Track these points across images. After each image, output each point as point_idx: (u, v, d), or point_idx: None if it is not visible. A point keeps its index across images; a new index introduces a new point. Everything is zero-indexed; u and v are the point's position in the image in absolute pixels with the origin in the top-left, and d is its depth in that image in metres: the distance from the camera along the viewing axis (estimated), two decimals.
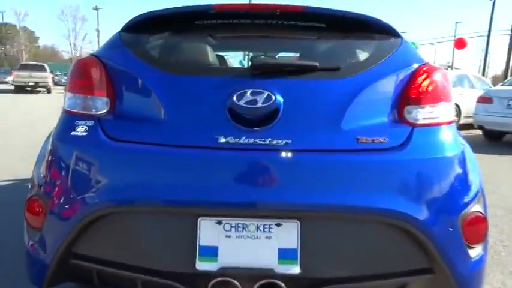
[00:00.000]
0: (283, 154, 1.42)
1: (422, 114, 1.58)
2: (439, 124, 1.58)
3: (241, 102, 1.46)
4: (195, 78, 1.55)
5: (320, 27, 1.77)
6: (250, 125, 1.47)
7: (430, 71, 1.64)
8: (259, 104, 1.46)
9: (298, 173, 1.39)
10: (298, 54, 2.13)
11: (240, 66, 1.89)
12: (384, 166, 1.43)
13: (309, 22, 1.78)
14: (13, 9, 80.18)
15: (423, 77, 1.63)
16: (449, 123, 1.61)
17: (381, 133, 1.50)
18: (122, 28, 1.86)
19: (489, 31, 28.97)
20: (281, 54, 2.31)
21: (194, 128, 1.48)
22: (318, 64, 1.54)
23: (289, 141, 1.44)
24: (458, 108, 10.23)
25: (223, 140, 1.44)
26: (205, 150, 1.44)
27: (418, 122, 1.56)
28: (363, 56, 1.71)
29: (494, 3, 27.97)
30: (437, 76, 1.63)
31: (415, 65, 1.66)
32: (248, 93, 1.47)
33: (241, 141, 1.44)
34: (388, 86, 1.61)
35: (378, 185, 1.39)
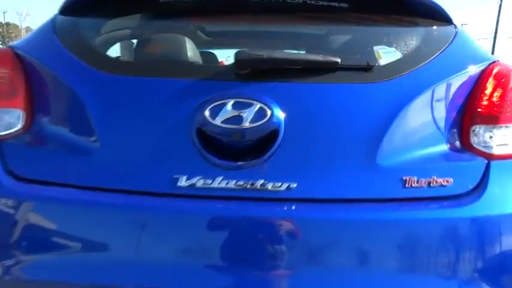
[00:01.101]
0: (286, 209, 0.86)
1: (498, 138, 1.02)
2: None
3: (218, 121, 0.91)
4: (147, 82, 0.99)
5: (341, 8, 1.20)
6: (231, 156, 0.91)
7: (506, 72, 1.07)
8: (246, 124, 0.90)
9: (313, 246, 0.84)
10: (307, 47, 1.57)
11: (219, 64, 1.40)
12: (451, 229, 0.87)
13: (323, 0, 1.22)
14: (15, 9, 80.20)
15: (496, 81, 1.06)
16: None
17: (440, 171, 0.94)
18: (59, 9, 1.30)
19: (495, 33, 28.32)
20: (282, 48, 1.72)
21: (141, 163, 0.92)
22: (339, 60, 0.98)
23: (294, 186, 0.89)
24: None
25: (185, 182, 0.89)
26: (157, 199, 0.89)
27: (494, 152, 1.00)
28: (404, 49, 1.15)
29: (500, 6, 27.34)
30: None
31: (481, 64, 1.09)
32: (229, 106, 0.92)
33: (216, 185, 0.89)
34: (443, 94, 1.05)
35: (445, 265, 0.84)
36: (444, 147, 1.00)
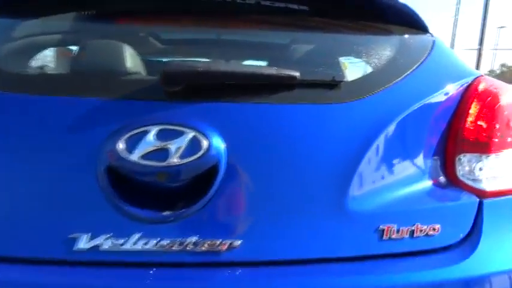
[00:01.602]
0: (228, 276, 0.63)
1: (488, 170, 0.84)
2: None
3: (135, 156, 0.66)
4: (42, 102, 0.73)
5: (301, 11, 0.99)
6: (153, 205, 0.67)
7: (492, 89, 0.90)
8: (174, 159, 0.67)
9: None
10: (263, 58, 1.35)
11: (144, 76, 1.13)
12: None
13: (280, 2, 1.00)
14: None
15: (481, 100, 0.89)
16: None
17: (424, 215, 0.74)
18: None
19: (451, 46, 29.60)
20: (224, 57, 1.40)
21: (28, 217, 0.66)
22: (297, 75, 0.76)
23: (239, 244, 0.66)
24: None
25: (85, 244, 0.63)
26: (47, 269, 0.63)
27: (486, 188, 0.82)
28: (376, 62, 0.95)
29: (456, 19, 28.63)
30: (508, 98, 0.90)
31: (464, 81, 0.92)
32: (151, 135, 0.68)
33: (130, 247, 0.64)
34: (423, 117, 0.86)
35: None
36: (427, 183, 0.81)
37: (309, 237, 0.68)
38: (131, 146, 0.67)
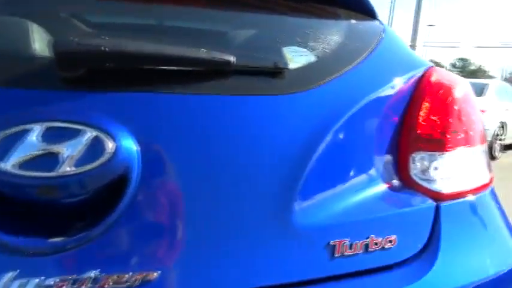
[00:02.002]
0: None
1: (444, 170, 0.76)
2: (476, 192, 0.78)
3: (9, 164, 0.48)
4: None
5: None
6: (36, 229, 0.50)
7: (445, 81, 0.83)
8: (66, 168, 0.50)
9: None
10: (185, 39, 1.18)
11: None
12: None
13: None
14: None
15: (434, 92, 0.81)
16: (488, 187, 0.82)
17: (378, 225, 0.64)
18: None
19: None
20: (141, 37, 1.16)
21: None
22: (233, 60, 0.62)
23: (155, 276, 0.51)
24: (503, 126, 7.48)
25: None
26: None
27: (443, 190, 0.74)
28: (324, 49, 0.83)
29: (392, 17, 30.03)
30: (461, 90, 0.83)
31: (417, 71, 0.83)
32: (33, 136, 0.50)
33: None
34: (374, 112, 0.76)
35: None
36: (380, 187, 0.71)
37: (246, 263, 0.54)
38: (3, 152, 0.49)
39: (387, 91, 0.77)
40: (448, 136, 0.76)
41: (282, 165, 0.59)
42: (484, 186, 0.79)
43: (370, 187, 0.69)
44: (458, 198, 0.74)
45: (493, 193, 0.82)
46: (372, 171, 0.72)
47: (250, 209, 0.56)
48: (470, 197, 0.75)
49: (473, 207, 0.75)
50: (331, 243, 0.59)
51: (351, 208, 0.64)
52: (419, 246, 0.65)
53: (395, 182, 0.74)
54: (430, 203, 0.71)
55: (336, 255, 0.59)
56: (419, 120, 0.77)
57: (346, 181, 0.67)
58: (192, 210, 0.54)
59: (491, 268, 0.68)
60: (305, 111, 0.65)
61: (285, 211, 0.57)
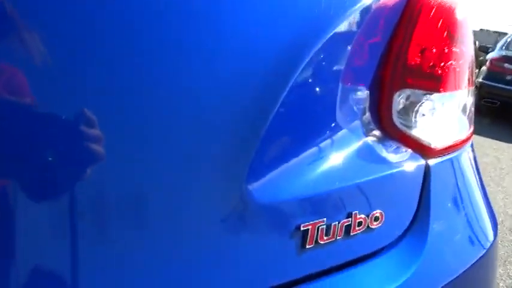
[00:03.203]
0: None
1: (436, 116, 0.58)
2: (461, 145, 0.62)
3: None
4: None
5: None
6: None
7: (441, 4, 0.61)
8: None
9: None
10: None
11: None
12: None
13: None
14: None
15: (434, 13, 0.59)
16: (470, 139, 0.66)
17: (360, 198, 0.44)
18: None
19: None
20: None
21: None
22: None
23: None
24: None
25: None
26: None
27: (433, 144, 0.56)
28: None
29: None
30: (463, 13, 0.62)
31: None
32: None
33: None
34: (349, 37, 0.52)
35: None
36: (357, 143, 0.50)
37: (181, 259, 0.31)
38: None
39: (367, 8, 0.53)
40: (446, 71, 0.57)
41: (226, 121, 0.34)
42: (469, 138, 0.64)
43: (345, 144, 0.48)
44: (446, 153, 0.57)
45: (472, 147, 0.67)
46: (346, 122, 0.51)
47: (186, 197, 0.32)
48: (457, 152, 0.60)
49: (458, 166, 0.60)
50: (302, 227, 0.38)
51: (323, 174, 0.43)
52: (407, 222, 0.48)
53: (375, 132, 0.54)
54: (419, 160, 0.53)
55: (309, 247, 0.38)
56: (409, 48, 0.56)
57: (314, 139, 0.45)
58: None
59: (478, 250, 0.55)
60: (254, 33, 0.39)
61: (236, 191, 0.34)
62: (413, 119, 0.56)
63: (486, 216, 0.59)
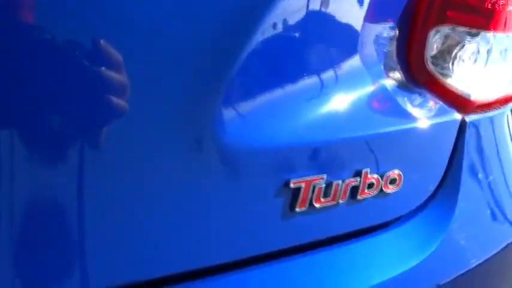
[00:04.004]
0: None
1: (481, 62, 0.46)
2: (505, 103, 0.50)
3: None
4: None
5: None
6: None
7: None
8: None
9: None
10: None
11: None
12: None
13: None
14: None
15: None
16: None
17: (371, 153, 0.34)
18: None
19: None
20: None
21: None
22: None
23: None
24: None
25: None
26: None
27: (473, 97, 0.44)
28: None
29: None
30: None
31: None
32: None
33: None
34: None
35: None
36: (371, 87, 0.39)
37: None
38: None
39: None
40: (498, 5, 0.45)
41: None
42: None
43: (359, 88, 0.38)
44: (488, 109, 0.46)
45: None
46: (363, 63, 0.40)
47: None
48: (501, 109, 0.48)
49: (501, 126, 0.49)
50: (292, 184, 0.29)
51: (326, 120, 0.33)
52: (431, 188, 0.38)
53: (401, 78, 0.43)
54: (454, 114, 0.42)
55: (300, 209, 0.29)
56: None
57: (316, 76, 0.34)
58: None
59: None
60: None
61: (206, 133, 0.25)
62: (450, 65, 0.45)
63: None
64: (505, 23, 0.46)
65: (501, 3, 0.45)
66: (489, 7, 0.45)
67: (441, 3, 0.44)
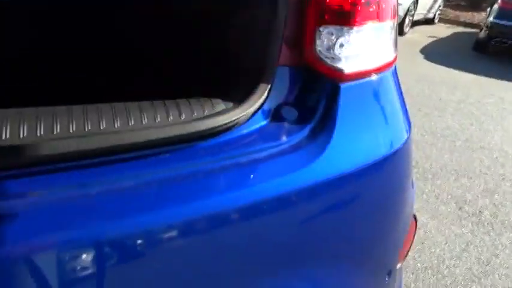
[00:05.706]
0: None
1: (349, 47, 0.71)
2: (379, 71, 0.75)
3: None
4: None
5: None
6: None
7: None
8: None
9: None
10: None
11: None
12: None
13: None
14: None
15: None
16: (391, 66, 0.79)
17: None
18: None
19: None
20: None
21: None
22: None
23: None
24: (416, 2, 7.45)
25: None
26: None
27: (345, 70, 0.69)
28: None
29: None
30: None
31: None
32: None
33: None
34: None
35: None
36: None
37: None
38: None
39: None
40: (359, 8, 0.68)
41: None
42: (388, 64, 0.77)
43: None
44: (359, 78, 0.70)
45: (395, 72, 0.80)
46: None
47: None
48: (372, 77, 0.72)
49: (373, 88, 0.73)
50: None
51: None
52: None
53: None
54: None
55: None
56: None
57: None
58: None
59: (383, 148, 0.69)
60: None
61: None
62: (332, 51, 0.69)
63: (397, 124, 0.74)
64: (364, 18, 0.69)
65: (358, 8, 0.68)
66: (350, 10, 0.68)
67: (323, 11, 0.68)
